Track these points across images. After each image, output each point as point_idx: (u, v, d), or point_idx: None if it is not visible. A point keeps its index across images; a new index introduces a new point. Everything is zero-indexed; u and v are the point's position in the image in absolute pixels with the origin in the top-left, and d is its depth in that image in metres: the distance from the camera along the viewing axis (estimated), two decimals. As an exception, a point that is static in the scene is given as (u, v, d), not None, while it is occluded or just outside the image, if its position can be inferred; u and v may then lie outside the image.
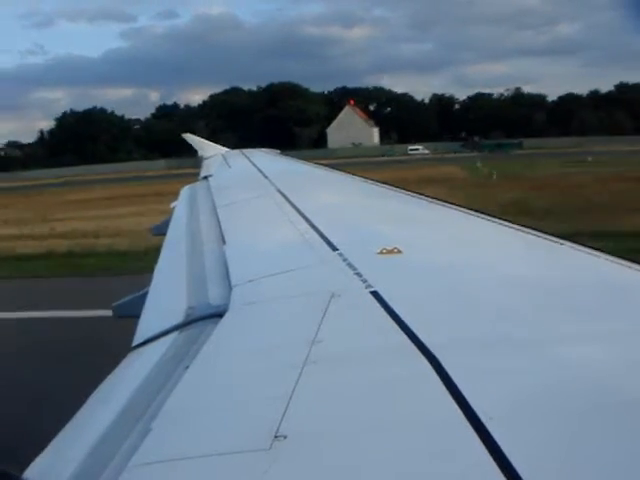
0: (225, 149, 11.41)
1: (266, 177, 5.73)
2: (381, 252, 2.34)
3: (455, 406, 1.16)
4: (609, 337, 1.51)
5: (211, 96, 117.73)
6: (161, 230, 4.90)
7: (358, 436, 1.15)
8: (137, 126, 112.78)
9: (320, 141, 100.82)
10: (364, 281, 2.02)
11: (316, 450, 1.13)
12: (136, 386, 1.63)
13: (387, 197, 4.33)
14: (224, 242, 3.15)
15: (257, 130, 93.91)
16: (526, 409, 1.18)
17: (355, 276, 2.09)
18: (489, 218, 3.05)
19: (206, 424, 1.31)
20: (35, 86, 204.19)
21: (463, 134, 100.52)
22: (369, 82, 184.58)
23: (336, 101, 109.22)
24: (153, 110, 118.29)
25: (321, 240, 2.71)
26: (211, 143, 12.15)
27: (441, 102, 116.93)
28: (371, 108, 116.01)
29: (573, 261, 2.26)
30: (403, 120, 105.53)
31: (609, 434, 1.07)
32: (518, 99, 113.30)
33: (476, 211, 3.24)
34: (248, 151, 10.14)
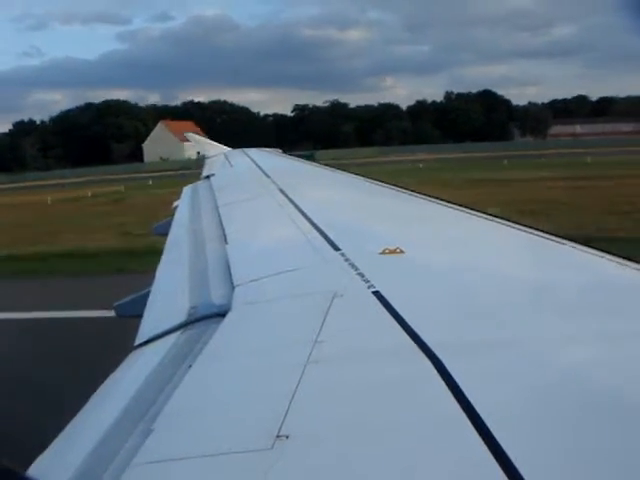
0: (228, 149, 11.43)
1: (268, 176, 5.73)
2: (383, 252, 2.34)
3: (458, 407, 1.16)
4: (612, 338, 1.50)
5: (62, 112, 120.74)
6: (163, 230, 4.91)
7: (360, 436, 1.15)
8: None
9: (139, 156, 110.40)
10: (366, 281, 2.01)
11: (318, 450, 1.13)
12: (138, 386, 1.63)
13: (389, 196, 4.33)
14: (226, 242, 3.15)
15: (81, 147, 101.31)
16: (529, 410, 1.18)
17: (357, 276, 2.09)
18: (492, 218, 3.05)
19: (208, 424, 1.31)
20: (32, 87, 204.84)
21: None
22: (366, 84, 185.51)
23: (180, 114, 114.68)
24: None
25: (323, 240, 2.71)
26: (214, 142, 12.16)
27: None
28: (219, 121, 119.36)
29: (577, 261, 2.25)
30: (238, 133, 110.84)
31: (611, 434, 1.07)
32: (337, 110, 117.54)
33: (478, 211, 3.23)
34: (250, 150, 10.16)
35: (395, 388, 1.32)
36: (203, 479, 1.10)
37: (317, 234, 2.83)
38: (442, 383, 1.26)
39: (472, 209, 3.32)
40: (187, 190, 6.49)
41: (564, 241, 2.46)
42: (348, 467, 1.06)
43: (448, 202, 3.61)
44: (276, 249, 2.85)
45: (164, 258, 3.39)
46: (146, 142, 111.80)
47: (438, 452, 1.07)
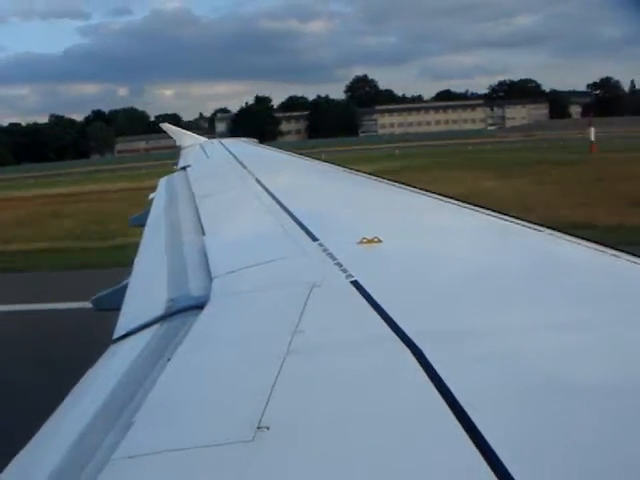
0: (203, 138, 11.35)
1: (245, 167, 5.71)
2: (361, 242, 2.34)
3: (438, 396, 1.17)
4: (590, 325, 1.52)
5: None
6: (139, 221, 4.87)
7: (341, 427, 1.16)
8: None
9: None
10: (344, 271, 2.02)
11: (299, 441, 1.13)
12: (117, 380, 1.62)
13: (367, 186, 4.34)
14: (204, 233, 3.14)
15: None
16: (508, 398, 1.19)
17: (335, 266, 2.09)
18: (471, 207, 3.06)
19: (188, 417, 1.31)
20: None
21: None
22: (334, 76, 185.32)
23: None
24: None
25: (301, 230, 2.70)
26: (189, 132, 12.07)
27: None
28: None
29: (556, 250, 2.26)
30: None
31: (595, 423, 1.09)
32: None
33: (457, 200, 3.25)
34: (226, 140, 10.10)
35: (375, 378, 1.32)
36: (184, 472, 1.10)
37: (295, 224, 2.83)
38: (422, 372, 1.27)
39: (450, 198, 3.33)
40: (163, 181, 6.43)
41: (543, 229, 2.47)
42: (330, 458, 1.07)
43: (426, 191, 3.62)
44: (254, 240, 2.85)
45: (141, 250, 3.37)
46: None
47: (419, 441, 1.08)
